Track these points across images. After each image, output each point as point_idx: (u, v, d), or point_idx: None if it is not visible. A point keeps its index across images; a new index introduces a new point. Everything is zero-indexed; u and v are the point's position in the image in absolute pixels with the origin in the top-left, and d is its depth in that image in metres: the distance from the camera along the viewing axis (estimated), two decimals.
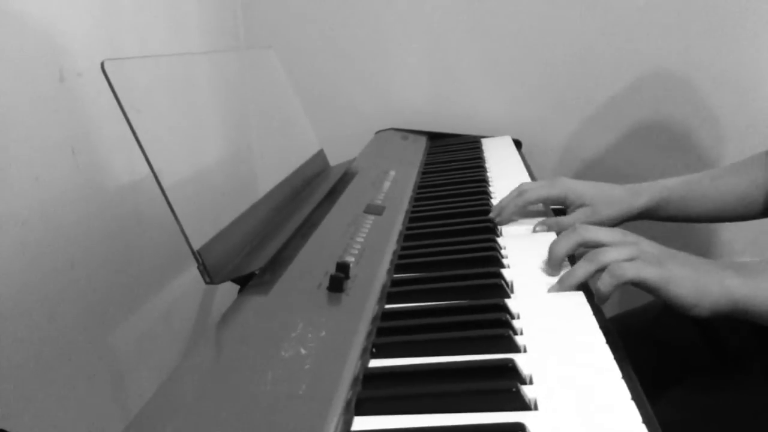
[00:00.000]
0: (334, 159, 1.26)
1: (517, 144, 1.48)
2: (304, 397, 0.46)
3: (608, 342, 0.54)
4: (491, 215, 0.89)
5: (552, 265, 0.68)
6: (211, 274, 0.65)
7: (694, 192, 0.92)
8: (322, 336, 0.55)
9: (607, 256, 0.63)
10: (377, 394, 0.49)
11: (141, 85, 0.71)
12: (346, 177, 1.10)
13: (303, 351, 0.52)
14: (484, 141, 1.49)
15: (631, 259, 0.62)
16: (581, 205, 0.87)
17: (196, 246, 0.65)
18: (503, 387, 0.47)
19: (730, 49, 1.52)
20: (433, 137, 1.57)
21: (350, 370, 0.51)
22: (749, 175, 0.92)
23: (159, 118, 0.72)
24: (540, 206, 0.93)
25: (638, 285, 0.61)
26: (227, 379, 0.49)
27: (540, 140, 1.64)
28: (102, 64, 0.64)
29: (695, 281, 0.60)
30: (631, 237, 0.65)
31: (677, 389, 0.81)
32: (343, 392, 0.48)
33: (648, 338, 0.93)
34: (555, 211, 0.99)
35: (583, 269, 0.64)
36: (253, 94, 1.04)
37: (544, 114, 1.63)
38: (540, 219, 0.87)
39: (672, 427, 0.77)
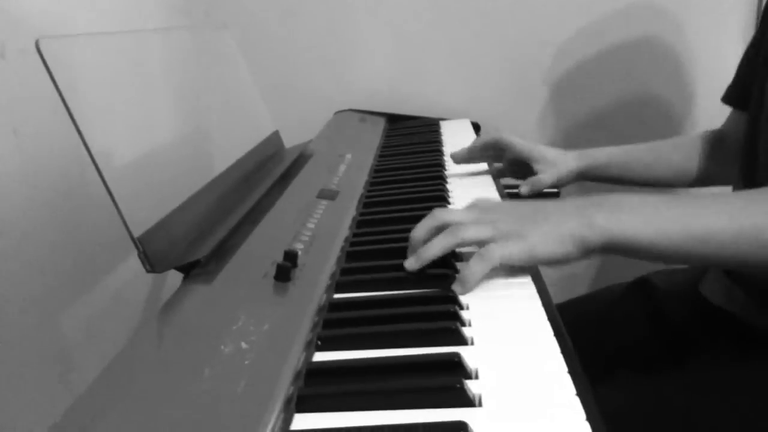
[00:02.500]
0: (293, 140, 1.24)
1: (476, 127, 1.47)
2: (241, 394, 0.45)
3: (556, 334, 0.53)
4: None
5: (411, 249, 0.67)
6: (152, 263, 0.63)
7: (637, 162, 1.03)
8: (265, 329, 0.53)
9: (467, 232, 0.63)
10: (319, 390, 0.48)
11: (81, 64, 0.68)
12: (300, 160, 1.08)
13: (244, 345, 0.51)
14: (442, 124, 1.48)
15: (491, 240, 0.62)
16: (542, 164, 1.00)
17: (137, 233, 0.63)
18: (448, 384, 0.46)
19: (698, 24, 1.53)
20: (392, 119, 1.55)
21: (292, 364, 0.49)
22: (686, 152, 1.03)
23: (101, 98, 0.69)
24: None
25: (505, 264, 0.62)
26: (162, 376, 0.47)
27: (501, 123, 1.63)
28: (37, 43, 0.61)
29: (557, 234, 0.60)
30: (488, 215, 0.65)
31: (627, 373, 0.81)
32: (283, 389, 0.46)
33: (606, 322, 0.93)
34: (510, 195, 1.00)
35: (440, 243, 0.63)
36: (205, 73, 1.01)
37: (506, 97, 1.62)
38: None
39: (620, 411, 0.78)
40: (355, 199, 0.91)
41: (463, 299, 0.61)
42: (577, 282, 1.72)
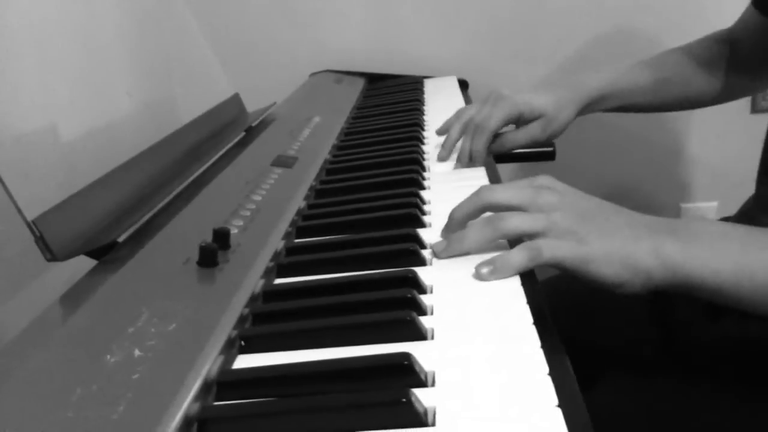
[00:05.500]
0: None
1: (464, 85, 1.34)
2: (117, 423, 0.34)
3: (539, 330, 0.42)
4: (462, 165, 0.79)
5: (447, 230, 0.55)
6: (52, 249, 0.52)
7: (638, 86, 0.89)
8: (170, 330, 0.43)
9: (510, 223, 0.50)
10: (230, 412, 0.37)
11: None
12: (260, 126, 0.97)
13: (137, 353, 0.40)
14: (426, 82, 1.35)
15: (541, 233, 0.49)
16: (536, 118, 0.81)
17: (31, 215, 0.52)
18: (394, 399, 0.36)
19: None
20: (373, 79, 1.43)
21: (197, 377, 0.38)
22: (695, 61, 0.90)
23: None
24: None
25: (554, 266, 0.49)
26: (17, 400, 0.36)
27: (492, 81, 1.50)
28: None
29: (622, 257, 0.48)
30: (543, 199, 0.52)
31: (619, 373, 0.70)
32: (177, 410, 0.36)
33: (595, 309, 0.81)
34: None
35: (476, 236, 0.51)
36: (154, 35, 0.89)
37: (497, 52, 1.50)
38: None
39: (610, 414, 0.68)
40: (316, 166, 0.79)
41: (428, 280, 0.50)
42: None
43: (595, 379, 0.71)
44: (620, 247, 0.48)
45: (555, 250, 0.48)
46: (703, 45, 0.91)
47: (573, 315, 0.79)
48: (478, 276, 0.49)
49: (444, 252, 0.53)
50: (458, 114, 0.83)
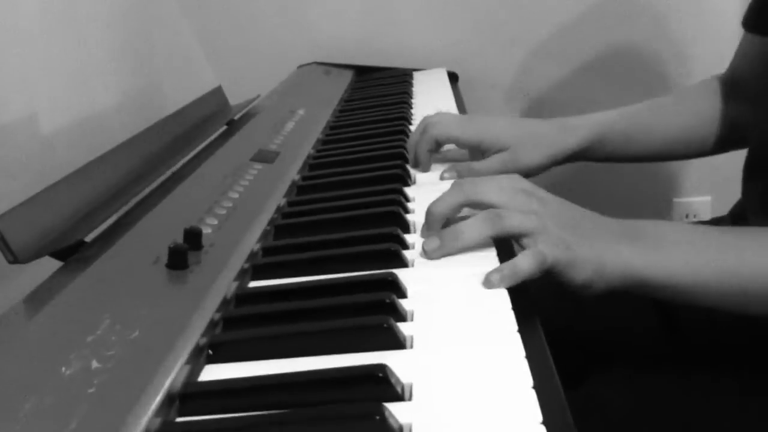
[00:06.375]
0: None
1: (453, 77, 1.32)
2: None
3: (524, 338, 0.39)
4: (411, 165, 0.74)
5: (428, 228, 0.53)
6: (14, 252, 0.49)
7: (638, 126, 0.77)
8: (132, 338, 0.40)
9: (512, 220, 0.49)
10: (193, 427, 0.35)
11: None
12: (243, 119, 0.94)
13: (95, 364, 0.37)
14: (416, 74, 1.33)
15: (536, 235, 0.48)
16: (499, 150, 0.71)
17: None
18: (366, 413, 0.33)
19: None
20: (361, 71, 1.40)
21: (159, 389, 0.36)
22: (695, 104, 0.79)
23: None
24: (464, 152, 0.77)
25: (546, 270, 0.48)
26: None
27: (483, 74, 1.49)
28: None
29: (595, 263, 0.49)
30: (530, 202, 0.51)
31: (618, 364, 0.68)
32: (135, 426, 0.33)
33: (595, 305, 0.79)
34: None
35: (477, 229, 0.49)
36: (138, 24, 0.86)
37: (487, 44, 1.48)
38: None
39: (607, 406, 0.65)
40: (299, 161, 0.77)
41: (410, 283, 0.48)
42: None
43: (591, 371, 0.68)
44: (596, 255, 0.49)
45: (553, 251, 0.47)
46: (703, 86, 0.81)
47: (569, 307, 0.77)
48: (488, 284, 0.46)
49: (438, 250, 0.50)
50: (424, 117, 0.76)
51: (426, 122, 0.73)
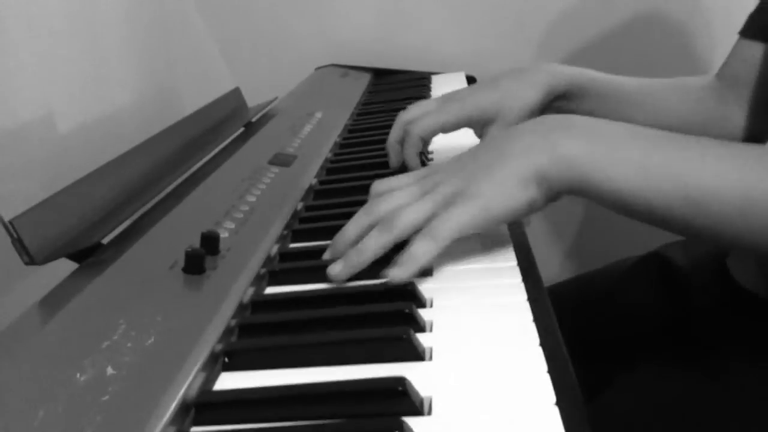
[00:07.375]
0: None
1: (472, 82, 1.31)
2: None
3: (546, 352, 0.38)
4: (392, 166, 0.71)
5: (332, 255, 0.52)
6: (31, 253, 0.49)
7: (623, 96, 0.76)
8: (148, 344, 0.39)
9: (402, 219, 0.48)
10: None
11: None
12: (260, 121, 0.94)
13: (110, 370, 0.37)
14: (434, 78, 1.32)
15: (436, 212, 0.48)
16: (487, 122, 0.68)
17: (8, 215, 0.49)
18: (384, 430, 0.32)
19: None
20: (379, 74, 1.39)
21: (173, 398, 0.35)
22: (685, 93, 0.79)
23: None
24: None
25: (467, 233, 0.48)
26: None
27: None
28: None
29: (516, 179, 0.46)
30: (428, 181, 0.51)
31: (634, 371, 0.67)
32: None
33: (608, 306, 0.78)
34: None
35: (373, 243, 0.49)
36: (156, 25, 0.86)
37: (507, 48, 1.46)
38: None
39: (629, 413, 0.64)
40: (316, 165, 0.76)
41: (428, 293, 0.47)
42: (573, 258, 1.58)
43: (611, 380, 0.67)
44: (511, 171, 0.47)
45: (449, 222, 0.46)
46: (695, 80, 0.81)
47: (583, 318, 0.76)
48: (391, 279, 0.46)
49: (345, 269, 0.49)
50: (399, 114, 0.72)
51: (403, 121, 0.69)
